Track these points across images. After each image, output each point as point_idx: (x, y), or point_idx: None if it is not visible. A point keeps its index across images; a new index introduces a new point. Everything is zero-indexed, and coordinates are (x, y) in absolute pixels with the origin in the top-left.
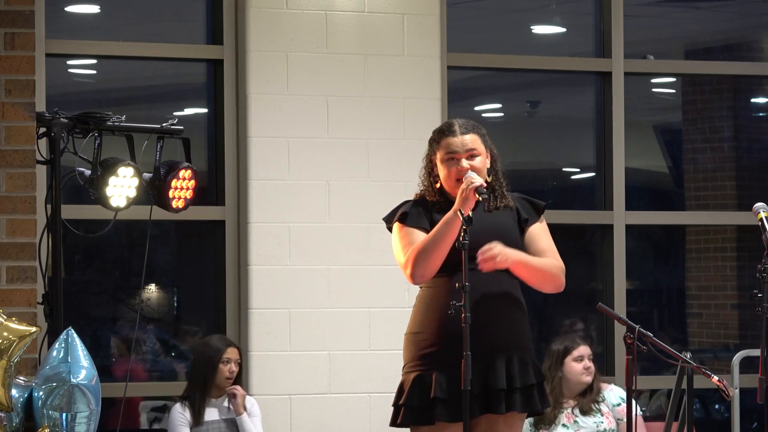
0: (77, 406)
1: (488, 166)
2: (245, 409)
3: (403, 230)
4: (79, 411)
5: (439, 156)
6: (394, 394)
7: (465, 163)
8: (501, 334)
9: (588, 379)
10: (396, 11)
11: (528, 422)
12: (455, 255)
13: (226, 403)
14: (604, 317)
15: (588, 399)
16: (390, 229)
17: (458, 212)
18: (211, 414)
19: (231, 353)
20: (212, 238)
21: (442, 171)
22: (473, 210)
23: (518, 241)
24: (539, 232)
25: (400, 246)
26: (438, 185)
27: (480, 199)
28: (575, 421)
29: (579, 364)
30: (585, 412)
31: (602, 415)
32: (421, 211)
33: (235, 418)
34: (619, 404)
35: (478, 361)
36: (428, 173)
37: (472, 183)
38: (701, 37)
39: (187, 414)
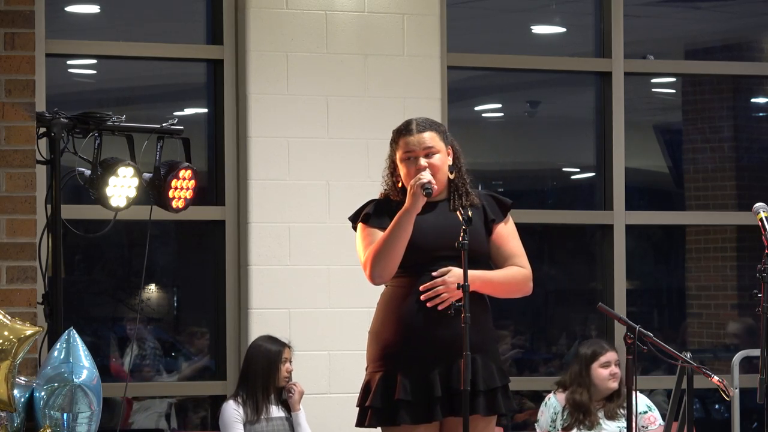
0: (79, 406)
1: (450, 163)
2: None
3: (365, 231)
4: (81, 411)
5: (398, 155)
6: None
7: (423, 161)
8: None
9: (614, 385)
10: (396, 11)
11: (551, 413)
12: (420, 256)
13: (275, 401)
14: (604, 317)
15: (614, 404)
16: (355, 228)
17: (459, 212)
18: (269, 411)
19: (287, 353)
20: (212, 238)
21: (402, 170)
22: (426, 210)
23: (483, 242)
24: (506, 235)
25: (361, 246)
26: (400, 185)
27: (424, 195)
28: (599, 424)
29: (605, 370)
30: (610, 417)
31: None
32: (383, 211)
33: (291, 415)
34: (645, 412)
35: (440, 363)
36: (390, 173)
37: (419, 180)
38: (701, 37)
39: (242, 411)
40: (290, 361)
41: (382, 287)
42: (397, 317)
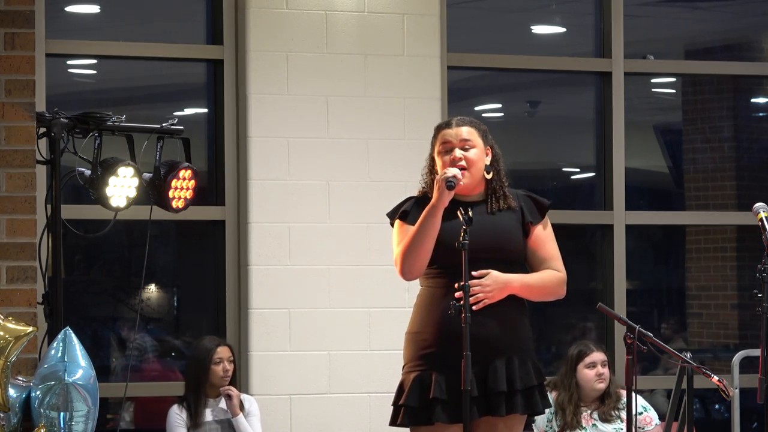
0: (74, 404)
1: (488, 163)
2: (243, 408)
3: (401, 228)
4: (76, 410)
5: (436, 150)
6: (393, 394)
7: (458, 152)
8: (501, 335)
9: (601, 386)
10: (396, 11)
11: (547, 412)
12: (456, 257)
13: (222, 404)
14: (604, 317)
15: (607, 407)
16: (393, 225)
17: (459, 211)
18: (209, 415)
19: (222, 352)
20: (212, 238)
21: (438, 164)
22: (469, 208)
23: (521, 244)
24: (544, 238)
25: (396, 243)
26: None
27: (446, 188)
28: (594, 425)
29: (591, 371)
30: (605, 419)
31: (622, 421)
32: (421, 208)
33: (231, 420)
34: (641, 413)
35: (477, 363)
36: (429, 170)
37: (443, 174)
38: (701, 37)
39: (184, 415)
40: (228, 362)
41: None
42: (435, 318)
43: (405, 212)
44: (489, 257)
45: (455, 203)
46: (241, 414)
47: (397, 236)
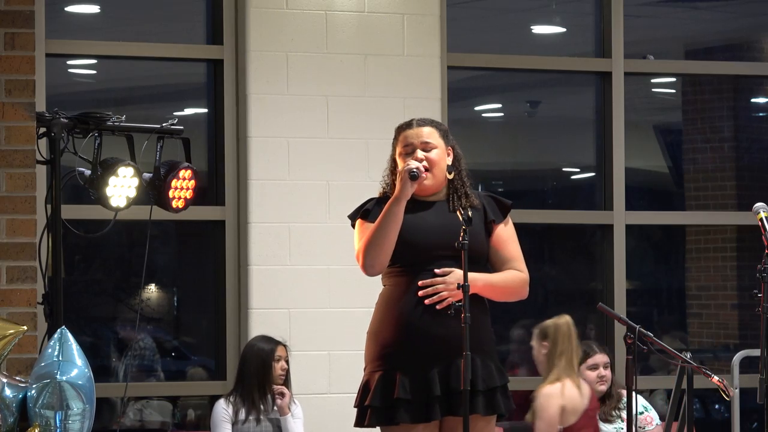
0: (70, 403)
1: (449, 163)
2: (290, 410)
3: (362, 225)
4: (72, 408)
5: (398, 151)
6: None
7: (420, 153)
8: (463, 336)
9: (602, 388)
10: (396, 11)
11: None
12: (418, 255)
13: (270, 403)
14: (604, 317)
15: (608, 407)
16: (354, 226)
17: (459, 211)
18: (260, 412)
19: (281, 351)
20: (212, 238)
21: (400, 165)
22: (424, 209)
23: (483, 243)
24: (506, 238)
25: (357, 240)
26: None
27: (410, 180)
28: None
29: (593, 373)
30: (606, 420)
31: (622, 421)
32: (382, 207)
33: (279, 418)
34: (642, 412)
35: (439, 363)
36: (391, 171)
37: (406, 165)
38: (701, 37)
39: (230, 410)
40: (286, 360)
41: (382, 287)
42: (396, 316)
43: (366, 211)
44: (449, 254)
45: (417, 203)
46: (289, 414)
47: (358, 234)
